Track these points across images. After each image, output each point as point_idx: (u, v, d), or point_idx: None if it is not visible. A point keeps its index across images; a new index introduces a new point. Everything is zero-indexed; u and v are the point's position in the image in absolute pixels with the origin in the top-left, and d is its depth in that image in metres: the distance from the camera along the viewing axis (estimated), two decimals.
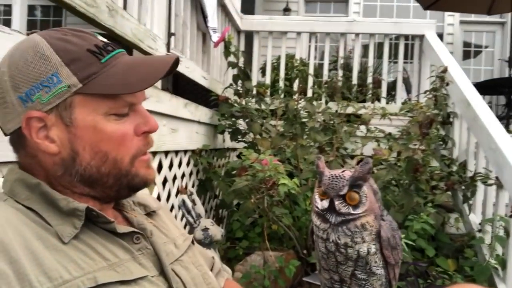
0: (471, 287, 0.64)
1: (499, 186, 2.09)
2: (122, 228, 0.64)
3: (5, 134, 0.64)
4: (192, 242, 0.80)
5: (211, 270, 0.88)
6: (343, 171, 0.77)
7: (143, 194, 0.82)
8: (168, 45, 1.98)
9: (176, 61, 0.67)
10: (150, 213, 0.77)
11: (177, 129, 2.00)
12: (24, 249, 0.53)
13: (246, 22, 3.61)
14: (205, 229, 1.66)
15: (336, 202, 0.73)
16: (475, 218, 2.35)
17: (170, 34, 2.00)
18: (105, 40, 0.66)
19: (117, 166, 0.64)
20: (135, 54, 1.77)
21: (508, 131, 3.09)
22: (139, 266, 0.62)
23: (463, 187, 2.33)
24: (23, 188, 0.61)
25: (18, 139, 0.63)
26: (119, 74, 0.61)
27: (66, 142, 0.62)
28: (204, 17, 2.57)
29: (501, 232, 2.02)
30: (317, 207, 0.77)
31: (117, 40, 1.48)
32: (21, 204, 0.59)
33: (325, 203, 0.75)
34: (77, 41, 0.61)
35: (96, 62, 0.61)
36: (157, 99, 1.72)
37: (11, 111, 0.61)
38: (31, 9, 6.91)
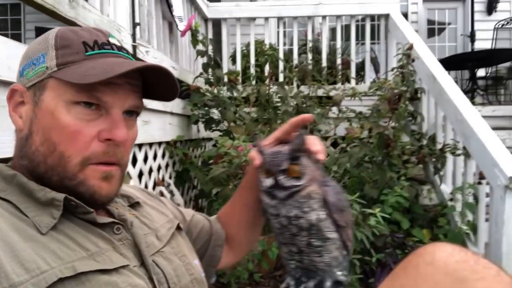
0: (442, 245, 0.67)
1: (467, 155, 2.17)
2: (102, 218, 0.63)
3: None
4: (179, 227, 0.79)
5: (198, 226, 0.89)
6: (282, 146, 0.78)
7: (127, 187, 0.81)
8: (133, 35, 1.95)
9: (166, 72, 0.65)
10: (133, 204, 0.76)
11: (149, 121, 1.98)
12: None
13: (213, 10, 3.58)
14: None
15: (280, 178, 0.75)
16: (446, 188, 2.44)
17: (135, 24, 1.96)
18: (114, 42, 0.66)
19: (62, 163, 0.60)
20: None
21: (473, 103, 3.21)
22: (120, 256, 0.61)
23: (433, 160, 2.41)
24: None
25: None
26: (88, 67, 0.60)
27: (28, 121, 0.62)
28: (169, 6, 2.53)
29: (471, 199, 2.11)
30: (263, 186, 0.78)
31: None
32: None
33: (270, 181, 0.77)
34: (82, 33, 0.64)
35: (82, 53, 0.62)
36: None
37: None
38: None
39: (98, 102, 0.61)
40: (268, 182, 0.77)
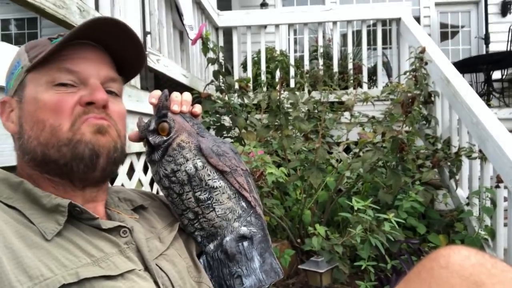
0: (457, 248, 0.64)
1: (483, 158, 2.12)
2: (108, 223, 0.63)
3: None
4: (181, 228, 0.78)
5: None
6: None
7: (129, 191, 0.81)
8: (144, 44, 1.97)
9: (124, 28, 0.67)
10: (136, 208, 0.76)
11: None
12: (3, 248, 0.52)
13: (223, 18, 3.60)
14: None
15: (151, 138, 0.75)
16: (462, 193, 2.38)
17: (145, 33, 1.99)
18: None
19: (55, 134, 0.62)
20: None
21: (489, 105, 3.14)
22: (126, 260, 0.61)
23: (448, 163, 2.36)
24: (6, 188, 0.61)
25: None
26: (53, 47, 0.63)
27: (17, 119, 0.65)
28: (180, 15, 2.55)
29: (488, 204, 2.05)
30: (146, 157, 0.79)
31: None
32: (3, 203, 0.58)
33: (147, 148, 0.78)
34: (48, 37, 0.68)
35: (48, 44, 0.65)
36: (137, 98, 1.70)
37: None
38: (5, 23, 6.80)
39: (70, 73, 0.64)
40: (147, 150, 0.77)
